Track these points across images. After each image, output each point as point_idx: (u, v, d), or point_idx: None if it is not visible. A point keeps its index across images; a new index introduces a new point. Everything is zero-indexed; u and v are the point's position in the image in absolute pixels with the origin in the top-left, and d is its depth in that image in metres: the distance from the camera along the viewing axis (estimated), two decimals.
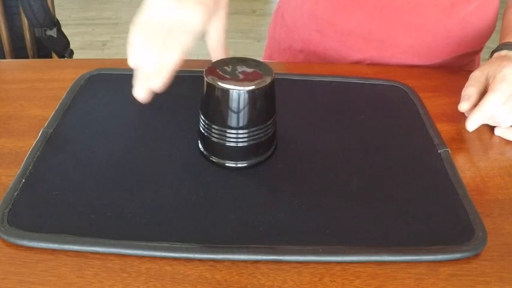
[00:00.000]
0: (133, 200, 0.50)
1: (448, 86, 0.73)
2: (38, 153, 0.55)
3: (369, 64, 0.84)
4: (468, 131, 0.63)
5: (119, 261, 0.44)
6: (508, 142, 0.62)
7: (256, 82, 0.50)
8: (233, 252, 0.45)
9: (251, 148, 0.53)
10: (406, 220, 0.49)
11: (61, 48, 1.26)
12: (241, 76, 0.51)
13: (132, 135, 0.59)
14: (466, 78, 0.65)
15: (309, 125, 0.62)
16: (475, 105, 0.62)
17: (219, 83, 0.50)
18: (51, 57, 1.29)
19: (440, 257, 0.45)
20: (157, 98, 0.66)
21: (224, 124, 0.52)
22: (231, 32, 2.74)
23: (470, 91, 0.63)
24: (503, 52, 0.68)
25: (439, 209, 0.50)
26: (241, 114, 0.51)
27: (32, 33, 1.22)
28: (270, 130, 0.54)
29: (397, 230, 0.48)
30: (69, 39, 1.31)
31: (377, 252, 0.45)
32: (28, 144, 0.57)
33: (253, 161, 0.54)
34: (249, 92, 0.50)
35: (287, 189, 0.52)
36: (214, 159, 0.54)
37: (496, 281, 0.44)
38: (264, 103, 0.52)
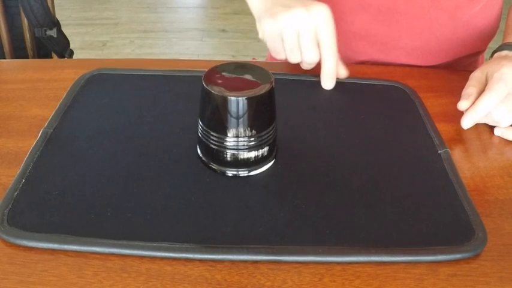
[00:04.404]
0: (133, 200, 0.50)
1: (448, 86, 0.73)
2: (38, 153, 0.55)
3: (370, 64, 0.84)
4: (468, 131, 0.63)
5: (119, 261, 0.44)
6: (507, 142, 0.62)
7: (254, 90, 0.50)
8: (233, 252, 0.45)
9: (251, 156, 0.53)
10: (406, 220, 0.49)
11: (61, 48, 1.26)
12: (240, 83, 0.51)
13: (132, 135, 0.59)
14: (466, 79, 0.65)
15: (309, 125, 0.62)
16: None
17: (218, 90, 0.50)
18: (51, 57, 1.29)
19: (440, 257, 0.45)
20: (158, 98, 0.66)
21: (223, 132, 0.51)
22: (231, 32, 2.75)
23: (470, 91, 0.63)
24: (504, 52, 0.68)
25: (439, 209, 0.50)
26: (240, 122, 0.50)
27: (32, 33, 1.22)
28: (270, 137, 0.54)
29: (397, 230, 0.48)
30: (69, 39, 1.30)
31: (377, 252, 0.45)
32: (28, 144, 0.57)
33: (253, 169, 0.54)
34: (248, 99, 0.49)
35: (287, 189, 0.52)
36: (214, 166, 0.54)
37: (496, 281, 0.44)
38: (263, 110, 0.52)
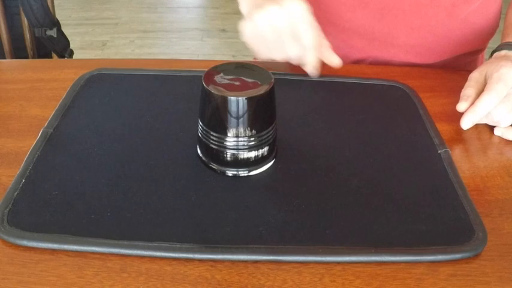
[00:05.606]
0: (134, 200, 0.50)
1: (447, 86, 0.73)
2: (38, 153, 0.55)
3: (369, 64, 0.84)
4: (468, 131, 0.63)
5: (119, 261, 0.44)
6: (507, 142, 0.62)
7: (254, 90, 0.50)
8: (233, 252, 0.45)
9: (251, 156, 0.53)
10: (406, 220, 0.49)
11: (61, 48, 1.26)
12: (240, 83, 0.51)
13: (132, 135, 0.59)
14: (466, 78, 0.65)
15: (309, 125, 0.62)
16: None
17: (218, 90, 0.50)
18: (51, 57, 1.29)
19: (440, 257, 0.45)
20: (157, 98, 0.66)
21: (223, 132, 0.51)
22: (231, 32, 2.75)
23: (468, 92, 0.63)
24: (503, 52, 0.68)
25: (439, 209, 0.50)
26: (240, 122, 0.50)
27: (32, 33, 1.22)
28: (270, 137, 0.54)
29: (397, 230, 0.48)
30: (69, 39, 1.30)
31: (377, 252, 0.45)
32: (28, 144, 0.57)
33: (253, 169, 0.54)
34: (248, 99, 0.49)
35: (287, 189, 0.52)
36: (214, 166, 0.54)
37: (496, 281, 0.44)
38: (263, 110, 0.52)
